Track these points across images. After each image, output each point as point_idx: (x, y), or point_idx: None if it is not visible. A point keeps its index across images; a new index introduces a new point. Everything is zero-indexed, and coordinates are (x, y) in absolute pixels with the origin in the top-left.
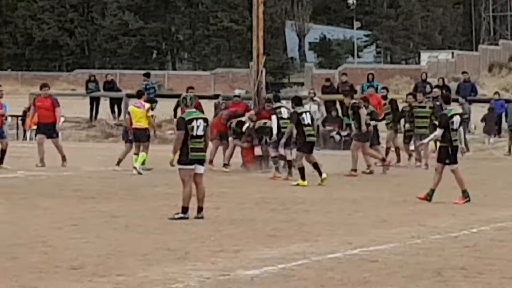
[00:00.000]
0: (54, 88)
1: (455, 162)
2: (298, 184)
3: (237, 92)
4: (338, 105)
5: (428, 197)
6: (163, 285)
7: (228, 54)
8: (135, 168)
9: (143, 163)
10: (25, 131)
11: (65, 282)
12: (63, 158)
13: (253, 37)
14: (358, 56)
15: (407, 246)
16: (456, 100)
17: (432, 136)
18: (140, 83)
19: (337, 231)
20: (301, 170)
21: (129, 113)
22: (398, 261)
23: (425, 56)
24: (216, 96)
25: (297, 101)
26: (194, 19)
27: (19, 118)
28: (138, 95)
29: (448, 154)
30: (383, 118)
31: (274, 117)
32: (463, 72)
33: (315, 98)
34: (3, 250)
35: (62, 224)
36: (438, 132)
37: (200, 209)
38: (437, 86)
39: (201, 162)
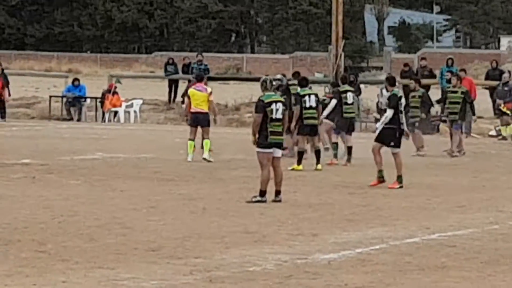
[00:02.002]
0: (133, 70)
1: (399, 146)
2: (293, 169)
3: (316, 75)
4: None
5: (382, 179)
6: (240, 268)
7: (307, 37)
8: (204, 158)
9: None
10: (103, 113)
11: (143, 263)
12: None
13: (332, 20)
14: (437, 41)
15: (485, 231)
16: None
17: (383, 119)
18: (218, 66)
19: (415, 216)
20: (300, 154)
21: (188, 97)
22: (476, 246)
23: (505, 41)
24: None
25: (303, 82)
26: (273, 2)
27: (98, 100)
28: (198, 78)
29: (394, 137)
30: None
31: (333, 101)
32: None
33: None
34: (82, 231)
35: (140, 206)
36: (389, 113)
37: (278, 193)
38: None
39: (279, 145)
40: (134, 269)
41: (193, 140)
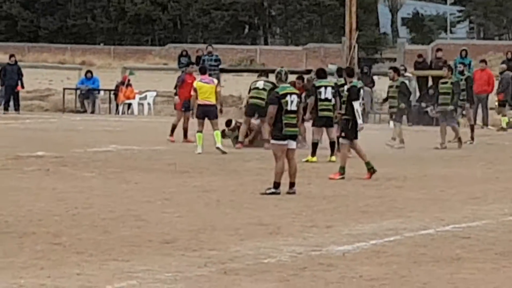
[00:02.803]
0: (147, 62)
1: (350, 138)
2: (307, 161)
3: (330, 67)
4: (430, 81)
5: (372, 170)
6: (255, 260)
7: (321, 29)
8: (218, 148)
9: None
10: (117, 105)
11: (158, 256)
12: None
13: (346, 12)
14: (451, 32)
15: (499, 223)
16: None
17: (357, 113)
18: (231, 58)
19: (429, 207)
20: (314, 145)
21: (195, 90)
22: (490, 238)
23: None
24: (308, 71)
25: (321, 74)
26: None
27: (112, 92)
28: (202, 71)
29: (347, 128)
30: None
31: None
32: None
33: (406, 74)
34: (96, 223)
35: (154, 198)
36: (356, 105)
37: (292, 185)
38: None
39: (294, 137)
40: (149, 261)
41: (201, 132)
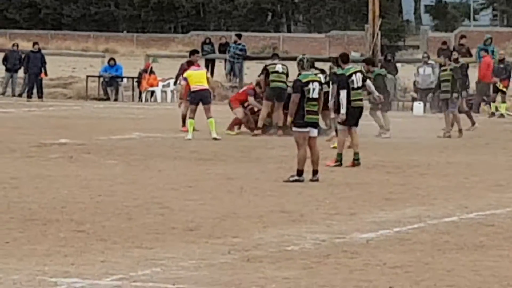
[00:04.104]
0: (169, 50)
1: (347, 124)
2: (335, 147)
3: (353, 54)
4: None
5: (357, 162)
6: (278, 247)
7: (344, 16)
8: (214, 138)
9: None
10: (140, 93)
11: (181, 243)
12: None
13: None
14: (474, 19)
15: None
16: None
17: (343, 102)
18: (255, 45)
19: (453, 195)
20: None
21: (185, 79)
22: None
23: None
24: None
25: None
26: None
27: (135, 80)
28: (190, 63)
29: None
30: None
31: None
32: None
33: (430, 61)
34: (120, 210)
35: (178, 185)
36: (342, 94)
37: (315, 172)
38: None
39: (315, 125)
40: (173, 249)
41: (193, 118)
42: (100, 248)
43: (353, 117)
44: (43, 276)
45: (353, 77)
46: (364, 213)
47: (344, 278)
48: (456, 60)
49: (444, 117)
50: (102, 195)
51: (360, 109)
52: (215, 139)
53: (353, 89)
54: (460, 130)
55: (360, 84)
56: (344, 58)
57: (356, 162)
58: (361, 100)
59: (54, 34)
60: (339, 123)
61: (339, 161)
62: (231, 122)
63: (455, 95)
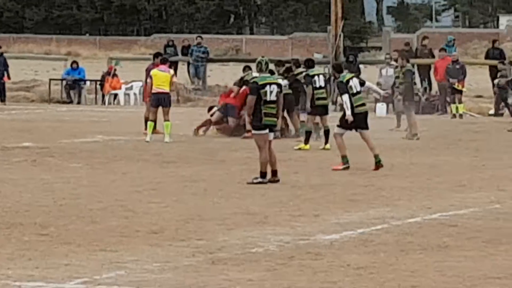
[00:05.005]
0: (132, 52)
1: (344, 127)
2: (300, 149)
3: (315, 56)
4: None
5: (346, 165)
6: (243, 249)
7: (306, 18)
8: (166, 142)
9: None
10: (103, 96)
11: (145, 246)
12: None
13: (331, 1)
14: (437, 20)
15: (486, 210)
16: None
17: (346, 106)
18: (217, 48)
19: (416, 195)
20: (307, 134)
21: (151, 77)
22: (477, 225)
23: (503, 20)
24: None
25: (310, 63)
26: None
27: (98, 82)
28: (163, 61)
29: (341, 117)
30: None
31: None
32: None
33: (392, 62)
34: (84, 213)
35: (142, 188)
36: (345, 99)
37: (274, 172)
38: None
39: (273, 127)
40: (137, 252)
41: (153, 121)
42: (64, 251)
43: (359, 121)
44: (7, 280)
45: (351, 83)
46: (328, 214)
47: (309, 279)
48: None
49: (397, 118)
50: (66, 198)
51: (365, 113)
52: (166, 142)
53: (353, 94)
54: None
55: (359, 88)
56: (338, 68)
57: (378, 164)
58: (364, 104)
59: (16, 38)
60: (338, 126)
61: (346, 163)
62: (201, 123)
63: (398, 97)
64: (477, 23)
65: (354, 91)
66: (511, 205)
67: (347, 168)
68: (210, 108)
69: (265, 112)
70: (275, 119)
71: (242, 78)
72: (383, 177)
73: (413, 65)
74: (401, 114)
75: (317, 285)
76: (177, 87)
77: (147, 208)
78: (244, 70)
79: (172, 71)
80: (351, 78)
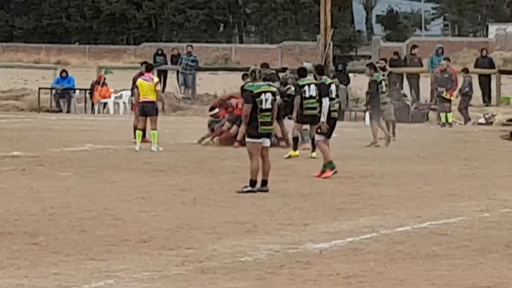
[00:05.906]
0: (122, 61)
1: (325, 134)
2: (290, 156)
3: (305, 65)
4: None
5: (334, 171)
6: (232, 258)
7: (296, 27)
8: (152, 150)
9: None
10: (93, 105)
11: (135, 255)
12: None
13: (321, 10)
14: (426, 29)
15: (476, 219)
16: None
17: (324, 111)
18: (207, 57)
19: (405, 204)
20: (295, 140)
21: (137, 87)
22: (467, 234)
23: (493, 28)
24: (283, 69)
25: (302, 73)
26: None
27: (87, 91)
28: (147, 68)
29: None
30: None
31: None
32: None
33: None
34: (73, 223)
35: (131, 197)
36: (325, 102)
37: (264, 182)
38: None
39: (268, 135)
40: (126, 261)
41: (142, 130)
42: (54, 260)
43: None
44: None
45: (331, 87)
46: (318, 223)
47: None
48: (383, 69)
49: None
50: (55, 207)
51: (334, 120)
52: (153, 151)
53: (331, 99)
54: (374, 142)
55: (334, 95)
56: (320, 70)
57: (323, 172)
58: (336, 111)
59: (5, 47)
60: (317, 132)
61: (333, 168)
62: (215, 132)
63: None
64: (467, 32)
65: (333, 95)
66: (501, 214)
67: (335, 173)
68: (212, 108)
69: (261, 120)
70: (271, 127)
71: (242, 87)
72: (372, 186)
73: (402, 74)
74: (392, 122)
75: None
76: (160, 95)
77: (137, 217)
78: (243, 78)
79: (156, 79)
80: (332, 83)
